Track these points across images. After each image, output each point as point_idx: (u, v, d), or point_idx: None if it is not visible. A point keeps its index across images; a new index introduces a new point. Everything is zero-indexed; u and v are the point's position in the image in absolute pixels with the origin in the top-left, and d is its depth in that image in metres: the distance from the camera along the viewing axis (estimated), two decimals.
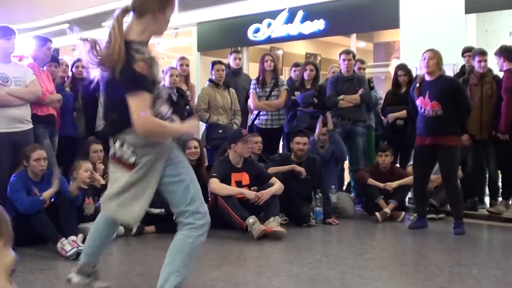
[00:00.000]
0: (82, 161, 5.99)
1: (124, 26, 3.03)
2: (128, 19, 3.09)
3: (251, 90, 7.89)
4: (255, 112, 7.98)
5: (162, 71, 7.48)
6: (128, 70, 2.94)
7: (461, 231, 6.13)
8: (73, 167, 5.96)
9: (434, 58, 6.23)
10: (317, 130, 7.50)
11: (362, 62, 8.66)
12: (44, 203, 5.30)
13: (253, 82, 7.94)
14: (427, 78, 6.29)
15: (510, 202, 7.04)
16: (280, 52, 14.00)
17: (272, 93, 7.86)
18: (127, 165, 3.17)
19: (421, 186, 6.52)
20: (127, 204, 3.18)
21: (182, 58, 8.13)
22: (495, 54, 7.15)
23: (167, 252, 3.18)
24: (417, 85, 6.38)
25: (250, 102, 7.92)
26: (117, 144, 3.19)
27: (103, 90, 3.21)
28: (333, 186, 7.29)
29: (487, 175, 7.53)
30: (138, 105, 2.93)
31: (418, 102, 6.31)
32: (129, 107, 2.94)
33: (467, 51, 7.72)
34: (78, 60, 7.43)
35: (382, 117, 8.18)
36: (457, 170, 6.51)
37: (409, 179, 7.04)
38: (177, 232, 3.22)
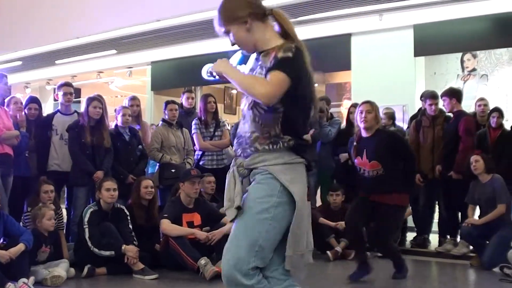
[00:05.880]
0: (45, 208, 5.87)
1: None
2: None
3: (193, 131, 7.80)
4: (199, 152, 7.92)
5: (115, 110, 7.46)
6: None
7: (401, 276, 5.75)
8: (34, 214, 5.79)
9: (372, 111, 5.60)
10: None
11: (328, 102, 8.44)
12: None
13: (195, 122, 7.86)
14: (364, 134, 5.65)
15: (458, 240, 7.18)
16: (234, 92, 14.10)
17: (216, 133, 7.87)
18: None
19: (355, 233, 5.78)
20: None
21: (133, 98, 8.00)
22: (443, 95, 7.34)
23: None
24: (354, 143, 5.81)
25: (195, 142, 7.85)
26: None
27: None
28: None
29: (437, 213, 7.68)
30: (278, 79, 2.60)
31: (356, 162, 5.71)
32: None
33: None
34: (31, 100, 7.30)
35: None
36: (394, 233, 6.06)
37: None
38: None
